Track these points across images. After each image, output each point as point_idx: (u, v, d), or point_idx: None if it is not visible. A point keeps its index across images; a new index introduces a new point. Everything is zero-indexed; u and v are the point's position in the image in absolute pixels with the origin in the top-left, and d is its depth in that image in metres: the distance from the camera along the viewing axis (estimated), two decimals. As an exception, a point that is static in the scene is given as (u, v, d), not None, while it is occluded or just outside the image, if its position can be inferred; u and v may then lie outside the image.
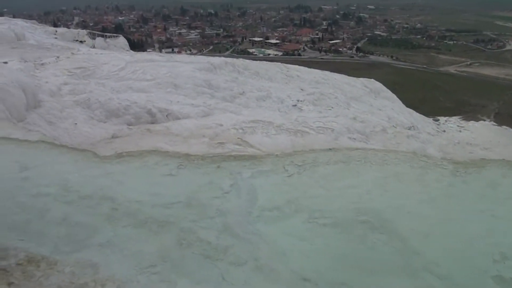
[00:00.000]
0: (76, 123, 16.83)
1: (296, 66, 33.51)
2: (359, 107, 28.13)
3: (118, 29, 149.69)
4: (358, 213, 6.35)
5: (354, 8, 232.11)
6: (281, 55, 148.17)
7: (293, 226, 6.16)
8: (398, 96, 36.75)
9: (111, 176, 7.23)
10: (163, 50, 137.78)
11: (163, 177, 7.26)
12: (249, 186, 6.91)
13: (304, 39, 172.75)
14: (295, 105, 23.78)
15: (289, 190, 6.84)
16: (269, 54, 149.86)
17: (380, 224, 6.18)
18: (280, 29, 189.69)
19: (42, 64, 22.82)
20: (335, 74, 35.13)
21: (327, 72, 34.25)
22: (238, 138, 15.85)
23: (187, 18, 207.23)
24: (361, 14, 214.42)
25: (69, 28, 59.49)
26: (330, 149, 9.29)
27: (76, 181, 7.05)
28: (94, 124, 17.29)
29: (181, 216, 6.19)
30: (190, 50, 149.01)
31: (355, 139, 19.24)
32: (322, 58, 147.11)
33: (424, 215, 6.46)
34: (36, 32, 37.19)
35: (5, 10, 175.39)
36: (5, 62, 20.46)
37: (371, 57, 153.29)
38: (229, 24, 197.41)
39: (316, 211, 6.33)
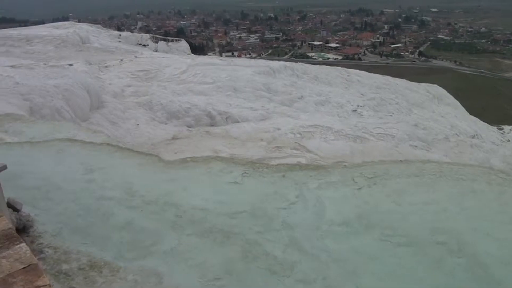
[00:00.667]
0: (138, 124, 17.27)
1: (357, 71, 33.04)
2: (421, 113, 27.42)
3: (180, 33, 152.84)
4: (434, 233, 5.94)
5: (417, 11, 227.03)
6: (340, 59, 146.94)
7: (363, 244, 5.79)
8: (461, 103, 35.58)
9: (175, 182, 7.08)
10: (223, 53, 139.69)
11: (228, 185, 7.01)
12: (316, 198, 6.55)
13: (365, 43, 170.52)
14: (355, 111, 23.44)
15: (359, 204, 6.45)
16: (328, 58, 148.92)
17: (459, 247, 5.75)
18: (341, 33, 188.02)
19: (106, 66, 23.57)
20: (397, 79, 34.42)
21: (388, 77, 33.58)
22: (295, 142, 15.79)
23: (248, 22, 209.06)
24: (424, 17, 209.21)
25: (132, 32, 61.26)
26: (401, 161, 8.84)
27: (140, 185, 6.99)
28: (156, 125, 17.67)
29: (246, 227, 5.98)
30: (250, 54, 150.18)
31: (416, 146, 18.78)
32: (383, 63, 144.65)
33: (505, 239, 5.89)
34: (100, 36, 38.48)
35: (70, 15, 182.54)
36: (71, 64, 21.21)
37: (434, 61, 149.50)
38: (289, 28, 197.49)
39: (388, 228, 5.98)
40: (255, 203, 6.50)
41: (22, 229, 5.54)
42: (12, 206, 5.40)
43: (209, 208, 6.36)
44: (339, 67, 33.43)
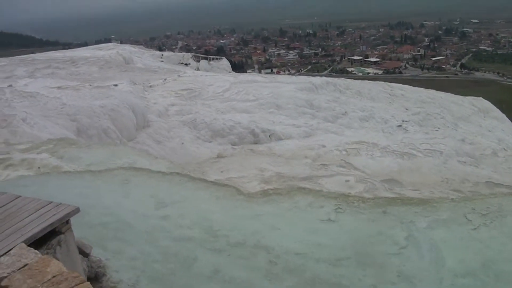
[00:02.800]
0: (183, 143, 17.38)
1: (400, 85, 32.54)
2: (467, 128, 26.69)
3: (219, 52, 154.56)
4: None
5: (457, 22, 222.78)
6: (381, 74, 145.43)
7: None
8: (506, 116, 34.48)
9: (261, 219, 6.39)
10: (262, 70, 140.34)
11: (322, 223, 6.23)
12: (429, 241, 5.68)
13: (405, 56, 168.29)
14: (400, 126, 22.99)
15: (481, 249, 5.54)
16: (368, 73, 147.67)
17: None
18: (380, 47, 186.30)
19: (150, 86, 23.92)
20: (441, 92, 33.70)
21: (432, 91, 32.92)
22: (341, 159, 15.55)
23: (286, 39, 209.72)
24: (465, 29, 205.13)
25: (173, 52, 62.23)
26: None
27: (222, 223, 6.25)
28: (200, 143, 17.75)
29: (355, 278, 5.15)
30: (289, 70, 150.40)
31: (465, 162, 18.23)
32: (424, 76, 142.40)
33: None
34: (143, 56, 39.24)
35: (112, 36, 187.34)
36: (116, 85, 21.58)
37: (476, 73, 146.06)
38: (328, 44, 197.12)
39: (522, 281, 5.02)
40: (358, 246, 5.70)
41: (94, 278, 5.07)
42: (81, 251, 5.01)
43: (305, 252, 5.57)
44: (382, 82, 32.97)
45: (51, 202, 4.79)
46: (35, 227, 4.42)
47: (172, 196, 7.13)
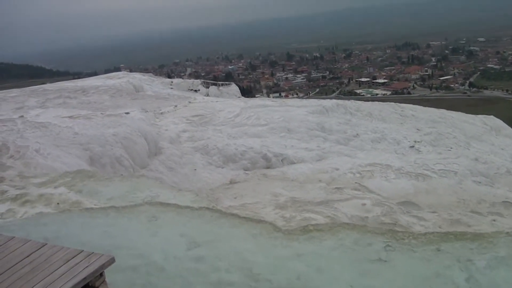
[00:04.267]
0: (195, 169, 17.33)
1: (411, 105, 32.45)
2: (480, 146, 26.45)
3: (228, 77, 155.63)
4: None
5: (464, 42, 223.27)
6: (389, 94, 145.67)
7: None
8: (516, 133, 34.18)
9: (304, 260, 5.91)
10: (271, 95, 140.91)
11: (372, 263, 5.73)
12: (492, 282, 5.26)
13: (413, 76, 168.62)
14: (413, 146, 22.84)
15: None
16: (377, 94, 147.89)
17: None
18: (387, 68, 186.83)
19: (162, 113, 23.99)
20: (452, 112, 33.55)
21: (443, 110, 32.78)
22: (356, 182, 15.40)
23: (293, 63, 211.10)
24: (472, 48, 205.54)
25: (182, 78, 62.70)
26: None
27: (262, 264, 5.79)
28: (212, 169, 17.69)
29: None
30: (297, 94, 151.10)
31: (480, 182, 17.97)
32: (433, 96, 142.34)
33: None
34: (153, 84, 39.48)
35: (122, 65, 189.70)
36: (127, 113, 21.65)
37: (485, 92, 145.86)
38: (335, 66, 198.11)
39: None
40: (418, 291, 5.27)
41: None
42: None
43: (360, 298, 5.16)
44: (392, 103, 32.93)
45: (81, 251, 4.47)
46: (67, 283, 4.05)
47: (204, 235, 6.69)
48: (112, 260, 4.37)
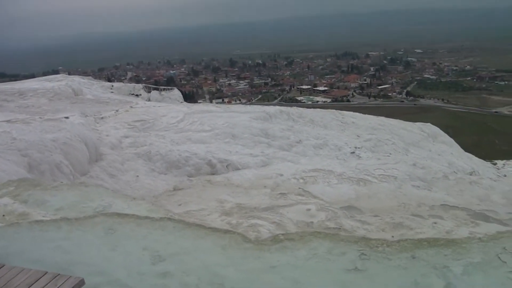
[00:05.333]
0: (137, 176, 16.95)
1: (351, 113, 33.17)
2: (418, 152, 27.36)
3: (169, 82, 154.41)
4: None
5: (402, 52, 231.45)
6: (329, 102, 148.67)
7: None
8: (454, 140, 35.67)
9: (279, 272, 5.65)
10: (213, 100, 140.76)
11: (349, 273, 5.59)
12: None
13: (352, 85, 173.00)
14: (353, 152, 23.32)
15: None
16: (317, 101, 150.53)
17: None
18: (328, 76, 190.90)
19: (102, 117, 23.41)
20: (391, 119, 34.54)
21: (382, 118, 33.71)
22: (299, 188, 15.51)
23: (236, 69, 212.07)
24: (409, 58, 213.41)
25: (123, 82, 61.56)
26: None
27: (234, 278, 5.49)
28: (155, 176, 17.37)
29: None
30: (240, 100, 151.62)
31: (418, 187, 18.52)
32: (372, 104, 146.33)
33: None
34: (93, 87, 38.50)
35: (60, 68, 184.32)
36: (67, 117, 20.99)
37: (422, 100, 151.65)
38: (277, 74, 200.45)
39: None
40: (399, 300, 5.22)
41: None
42: None
43: (341, 311, 4.95)
44: (333, 110, 33.59)
45: (46, 273, 4.00)
46: None
47: (168, 248, 6.27)
48: (81, 283, 3.98)
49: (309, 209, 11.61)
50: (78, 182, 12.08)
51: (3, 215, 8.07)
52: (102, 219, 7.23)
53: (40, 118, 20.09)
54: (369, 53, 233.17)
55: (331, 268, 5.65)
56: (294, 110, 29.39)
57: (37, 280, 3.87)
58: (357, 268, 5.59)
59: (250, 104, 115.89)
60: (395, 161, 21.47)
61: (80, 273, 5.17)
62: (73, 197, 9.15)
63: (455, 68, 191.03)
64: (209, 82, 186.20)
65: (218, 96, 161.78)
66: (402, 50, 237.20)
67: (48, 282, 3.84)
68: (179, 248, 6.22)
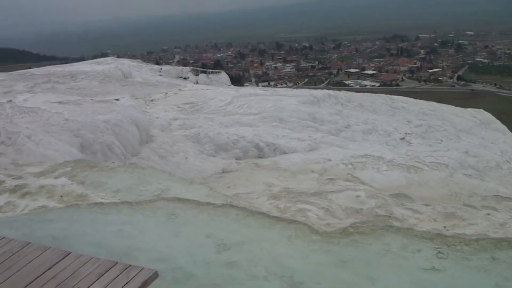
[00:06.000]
0: (186, 157, 17.17)
1: (401, 97, 32.44)
2: (469, 140, 26.56)
3: (216, 65, 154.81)
4: None
5: (453, 35, 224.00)
6: (378, 86, 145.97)
7: None
8: (507, 128, 34.37)
9: (350, 267, 5.33)
10: (259, 84, 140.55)
11: (425, 273, 5.16)
12: None
13: (402, 69, 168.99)
14: (403, 138, 22.86)
15: None
16: (365, 85, 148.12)
17: None
18: (376, 59, 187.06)
19: (152, 100, 23.76)
20: (442, 105, 33.61)
21: (434, 103, 32.82)
22: (348, 174, 15.34)
23: (283, 52, 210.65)
24: (460, 41, 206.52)
25: (171, 65, 62.25)
26: None
27: (303, 272, 5.14)
28: (204, 158, 17.55)
29: None
30: (286, 83, 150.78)
31: (470, 175, 18.02)
32: (422, 88, 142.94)
33: None
34: (142, 70, 39.13)
35: (109, 51, 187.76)
36: (117, 99, 21.40)
37: (473, 85, 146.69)
38: (324, 57, 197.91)
39: None
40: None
41: None
42: None
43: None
44: (383, 94, 32.90)
45: (116, 263, 3.76)
46: None
47: (233, 236, 5.97)
48: (155, 275, 3.71)
49: (358, 196, 11.46)
50: (132, 164, 12.08)
51: (61, 196, 8.05)
52: (163, 203, 7.13)
53: (91, 99, 20.58)
54: (420, 35, 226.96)
55: (406, 266, 5.30)
56: (342, 94, 28.99)
57: (107, 271, 3.67)
58: (434, 268, 5.20)
59: (296, 87, 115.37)
60: (446, 148, 20.97)
61: (142, 259, 5.11)
62: (130, 180, 9.06)
63: (508, 51, 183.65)
64: (255, 65, 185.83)
65: (264, 79, 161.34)
66: (453, 32, 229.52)
67: (120, 274, 3.61)
68: (244, 236, 5.96)
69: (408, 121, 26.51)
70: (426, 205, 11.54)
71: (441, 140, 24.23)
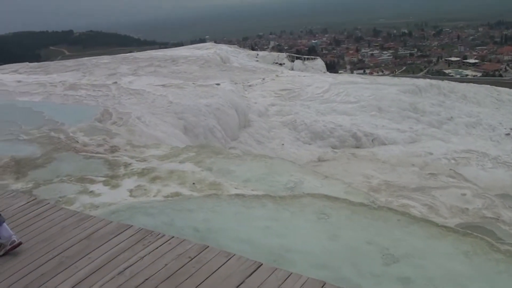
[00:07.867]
0: (283, 144, 17.23)
1: (508, 89, 30.56)
2: None
3: (311, 52, 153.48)
4: None
5: None
6: (479, 76, 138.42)
7: None
8: None
9: None
10: (354, 71, 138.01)
11: None
12: None
13: (506, 58, 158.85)
14: (508, 134, 21.53)
15: None
16: (466, 75, 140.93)
17: None
18: (479, 47, 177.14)
19: (250, 85, 24.03)
20: (554, 99, 31.28)
21: (545, 97, 30.64)
22: (450, 169, 14.73)
23: (380, 39, 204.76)
24: None
25: (266, 51, 62.59)
26: None
27: None
28: (300, 145, 17.53)
29: None
30: (382, 71, 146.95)
31: None
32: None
33: None
34: (239, 56, 39.65)
35: (207, 36, 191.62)
36: (218, 84, 21.83)
37: None
38: (424, 44, 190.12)
39: None
40: None
41: None
42: None
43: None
44: (488, 85, 31.18)
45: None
46: None
47: (398, 246, 5.21)
48: None
49: (464, 194, 10.91)
50: (266, 155, 11.61)
51: (193, 183, 7.73)
52: (310, 200, 6.61)
53: (193, 83, 21.13)
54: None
55: None
56: (445, 84, 27.78)
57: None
58: None
59: (393, 75, 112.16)
60: (559, 148, 19.52)
61: (300, 264, 4.73)
62: (258, 169, 8.59)
63: None
64: (351, 52, 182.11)
65: (359, 66, 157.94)
66: None
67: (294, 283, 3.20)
68: (412, 247, 5.24)
69: (515, 116, 24.95)
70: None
71: (552, 138, 22.61)
